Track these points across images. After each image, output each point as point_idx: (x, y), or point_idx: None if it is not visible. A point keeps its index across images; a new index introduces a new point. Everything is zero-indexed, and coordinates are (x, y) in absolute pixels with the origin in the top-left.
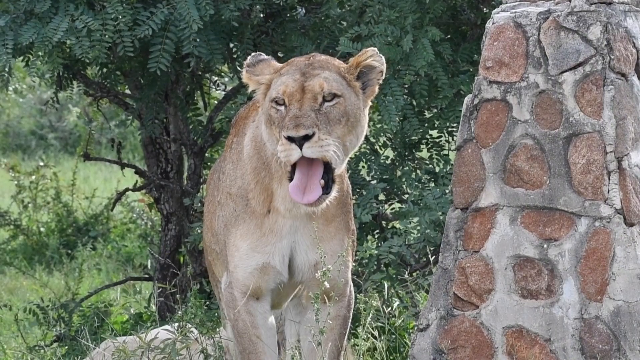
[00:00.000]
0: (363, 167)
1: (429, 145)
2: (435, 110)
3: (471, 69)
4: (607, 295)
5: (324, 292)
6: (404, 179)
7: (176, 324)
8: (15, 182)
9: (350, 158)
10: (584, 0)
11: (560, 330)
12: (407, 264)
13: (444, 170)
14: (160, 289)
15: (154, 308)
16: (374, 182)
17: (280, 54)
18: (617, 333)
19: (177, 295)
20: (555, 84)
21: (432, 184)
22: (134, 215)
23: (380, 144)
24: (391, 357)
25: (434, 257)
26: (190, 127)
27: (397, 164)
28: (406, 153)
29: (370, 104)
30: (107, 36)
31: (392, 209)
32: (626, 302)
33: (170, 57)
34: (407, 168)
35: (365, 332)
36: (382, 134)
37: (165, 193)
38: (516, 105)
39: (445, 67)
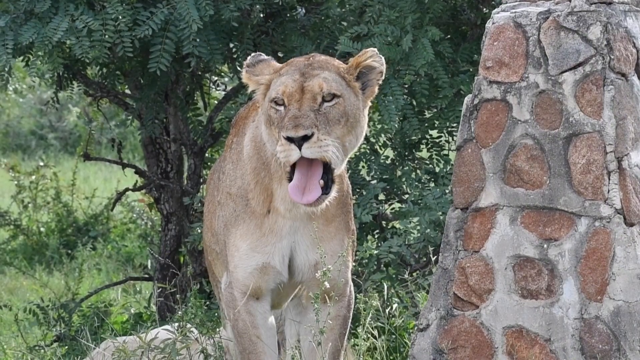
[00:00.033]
0: (363, 167)
1: (429, 145)
2: (435, 110)
3: (471, 69)
4: (607, 295)
5: (324, 292)
6: (404, 179)
7: (176, 324)
8: (15, 182)
9: (350, 158)
10: (584, 0)
11: (560, 330)
12: (407, 264)
13: (444, 170)
14: (160, 289)
15: (154, 308)
16: (374, 182)
17: (280, 54)
18: (617, 333)
19: (177, 295)
20: (555, 84)
21: (432, 184)
22: (134, 215)
23: (380, 144)
24: (391, 357)
25: (435, 257)
26: (190, 127)
27: (397, 164)
28: (406, 153)
29: (369, 104)
30: (107, 36)
31: (392, 209)
32: (626, 302)
33: (170, 57)
34: (407, 168)
35: (365, 332)
36: (382, 134)
37: (165, 193)
38: (516, 105)
39: (445, 67)
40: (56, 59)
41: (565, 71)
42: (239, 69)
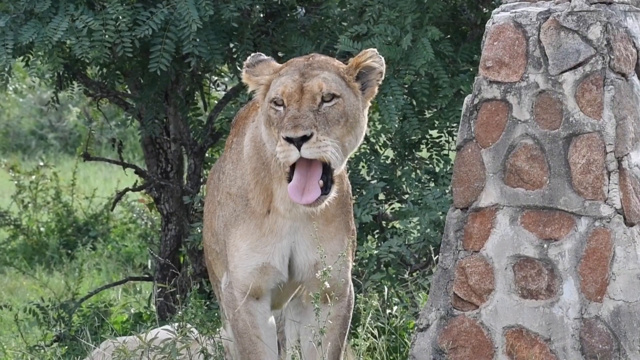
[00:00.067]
0: (363, 167)
1: (429, 145)
2: (435, 110)
3: (471, 69)
4: (607, 295)
5: (324, 292)
6: (404, 179)
7: (176, 324)
8: (15, 182)
9: (350, 158)
10: (584, 0)
11: (560, 330)
12: (407, 264)
13: (444, 170)
14: (160, 289)
15: (154, 308)
16: (374, 182)
17: (280, 54)
18: (617, 333)
19: (177, 295)
20: (555, 84)
21: (432, 184)
22: (134, 215)
23: (380, 144)
24: (391, 357)
25: (436, 257)
26: (190, 127)
27: (397, 164)
28: (406, 153)
29: (369, 104)
30: (107, 36)
31: (392, 209)
32: (626, 302)
33: (170, 57)
34: (407, 168)
35: (365, 331)
36: (382, 134)
37: (165, 193)
38: (516, 105)
39: (445, 67)
40: (56, 59)
41: (565, 71)
42: (239, 69)
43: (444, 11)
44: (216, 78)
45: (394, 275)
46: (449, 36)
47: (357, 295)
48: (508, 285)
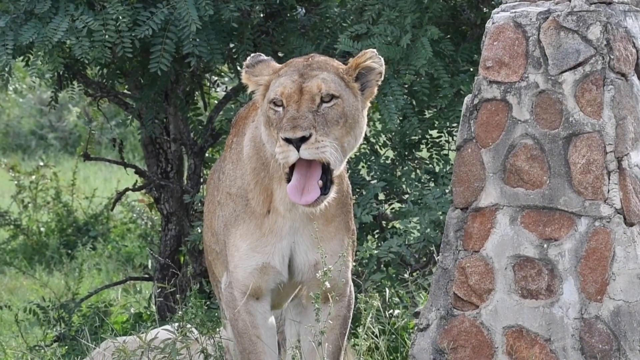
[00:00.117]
0: (363, 167)
1: (429, 145)
2: (435, 110)
3: (471, 69)
4: (607, 295)
5: (324, 292)
6: (404, 179)
7: (176, 324)
8: (15, 182)
9: (350, 158)
10: (584, 0)
11: (560, 330)
12: (407, 264)
13: (444, 170)
14: (160, 289)
15: (154, 308)
16: (374, 182)
17: (280, 54)
18: (617, 333)
19: (177, 295)
20: (555, 84)
21: (432, 184)
22: (134, 215)
23: (380, 144)
24: (391, 357)
25: (439, 256)
26: (190, 127)
27: (397, 164)
28: (406, 153)
29: (369, 105)
30: (107, 36)
31: (392, 209)
32: (626, 302)
33: (170, 57)
34: (407, 168)
35: (366, 331)
36: (382, 134)
37: (165, 193)
38: (516, 105)
39: (445, 67)
40: (56, 59)
41: (565, 71)
42: (239, 69)
43: (443, 11)
44: (216, 78)
45: (394, 275)
46: (449, 36)
47: (358, 295)
48: (508, 285)
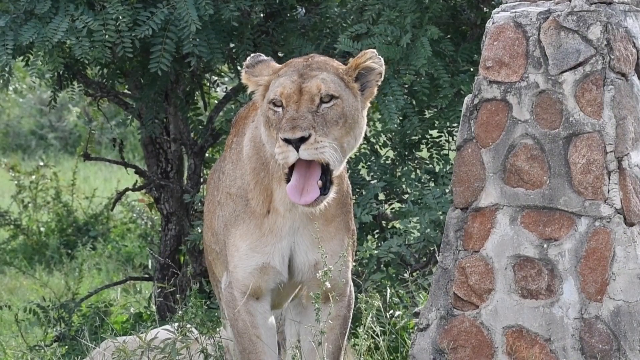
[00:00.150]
0: (363, 167)
1: (429, 145)
2: (435, 110)
3: (471, 69)
4: (607, 295)
5: (324, 292)
6: (404, 179)
7: (176, 324)
8: (15, 182)
9: (350, 158)
10: (584, 0)
11: (560, 330)
12: (407, 264)
13: (444, 170)
14: (160, 289)
15: (154, 308)
16: (374, 182)
17: (280, 54)
18: (617, 333)
19: (177, 295)
20: (555, 84)
21: (432, 184)
22: (134, 215)
23: (380, 144)
24: (391, 357)
25: (439, 256)
26: (190, 127)
27: (397, 164)
28: (406, 153)
29: (369, 105)
30: (107, 36)
31: (392, 209)
32: (626, 302)
33: (170, 57)
34: (407, 168)
35: (366, 331)
36: (382, 134)
37: (165, 193)
38: (516, 105)
39: (446, 67)
40: (56, 59)
41: (565, 71)
42: (239, 69)
43: (443, 11)
44: (216, 78)
45: (394, 275)
46: (449, 36)
47: (358, 295)
48: (508, 285)
